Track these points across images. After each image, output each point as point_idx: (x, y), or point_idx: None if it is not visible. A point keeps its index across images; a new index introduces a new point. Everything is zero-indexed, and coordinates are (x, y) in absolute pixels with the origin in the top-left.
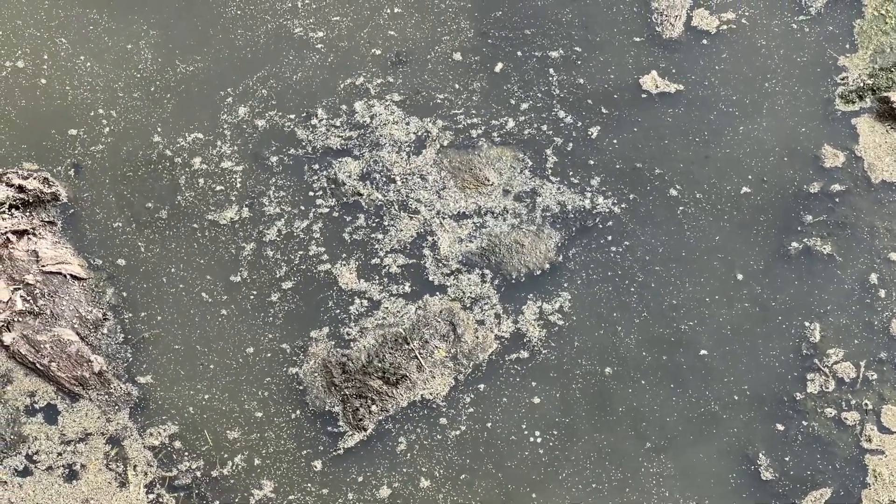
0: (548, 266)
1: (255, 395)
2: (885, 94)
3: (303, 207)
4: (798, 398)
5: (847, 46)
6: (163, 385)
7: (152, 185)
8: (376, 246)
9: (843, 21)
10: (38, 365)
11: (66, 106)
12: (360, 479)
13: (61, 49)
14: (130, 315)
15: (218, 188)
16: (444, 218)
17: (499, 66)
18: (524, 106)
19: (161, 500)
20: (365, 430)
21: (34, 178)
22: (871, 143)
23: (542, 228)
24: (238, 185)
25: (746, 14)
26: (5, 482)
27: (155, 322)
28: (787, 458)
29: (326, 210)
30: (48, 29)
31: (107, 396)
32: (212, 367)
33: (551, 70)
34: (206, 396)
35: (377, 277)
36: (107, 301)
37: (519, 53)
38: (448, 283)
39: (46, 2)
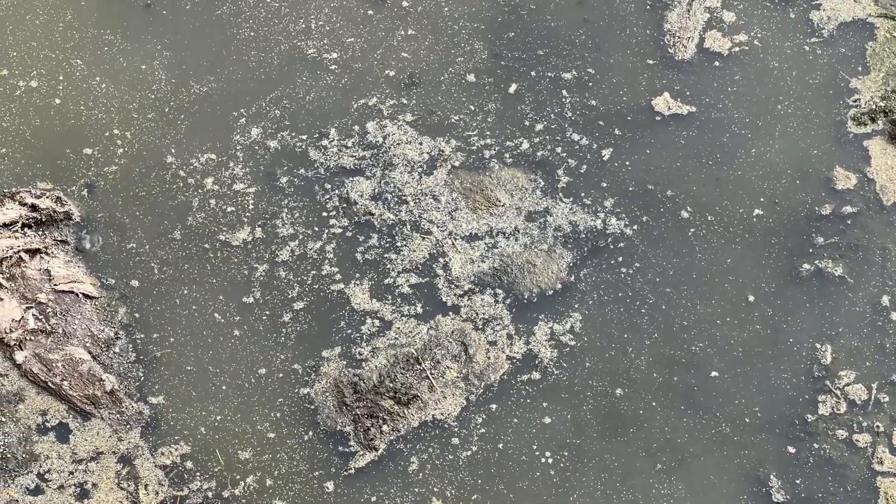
0: (560, 286)
1: (267, 416)
2: None
3: (316, 228)
4: (809, 420)
5: (859, 69)
6: (175, 406)
7: (165, 206)
8: (389, 266)
9: (856, 43)
10: (49, 384)
11: (81, 126)
12: (373, 499)
13: (76, 70)
14: (143, 336)
15: (230, 209)
16: (456, 239)
17: (513, 87)
18: (539, 127)
19: None
20: (376, 450)
21: (47, 197)
22: (883, 166)
23: (554, 248)
24: (250, 207)
25: (759, 36)
26: (17, 501)
27: (168, 343)
28: (798, 481)
29: (339, 230)
30: (63, 50)
31: (118, 415)
32: (224, 387)
33: (564, 91)
34: (219, 417)
35: (390, 297)
36: (119, 320)
37: (533, 73)
38: (460, 304)
39: (61, 24)
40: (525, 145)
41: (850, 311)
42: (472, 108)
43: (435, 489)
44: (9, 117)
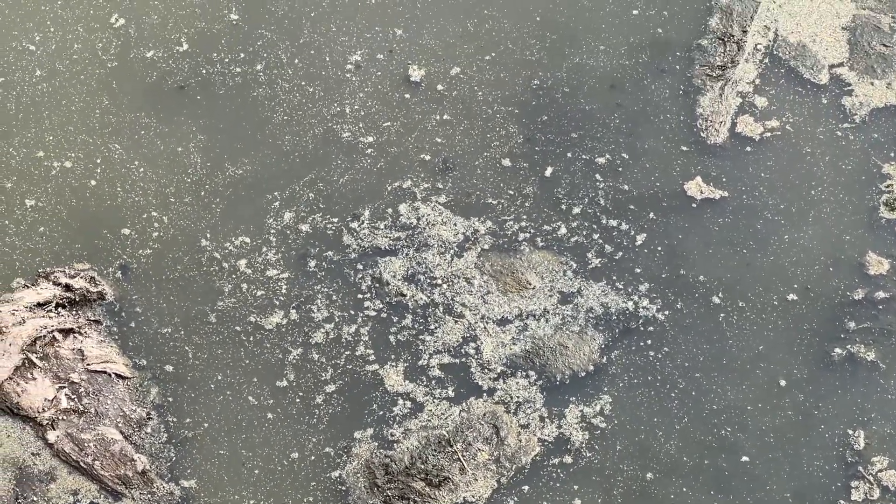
0: (592, 368)
1: (299, 501)
2: None
3: (351, 311)
4: None
5: (892, 154)
6: (206, 490)
7: (200, 289)
8: (421, 348)
9: (888, 129)
10: (81, 463)
11: (117, 207)
12: None
13: (114, 154)
14: (175, 419)
15: (265, 294)
16: (487, 322)
17: (549, 171)
18: (575, 210)
19: None
20: None
21: (81, 277)
22: None
23: (586, 330)
24: (283, 290)
25: (791, 121)
26: None
27: (202, 428)
28: None
29: (374, 313)
30: (101, 135)
31: (149, 496)
32: (256, 471)
33: (598, 175)
34: (251, 502)
35: (423, 379)
36: (151, 400)
37: (569, 154)
38: (492, 387)
39: (98, 110)
40: (563, 230)
41: (883, 397)
42: (511, 192)
43: None
44: (45, 197)
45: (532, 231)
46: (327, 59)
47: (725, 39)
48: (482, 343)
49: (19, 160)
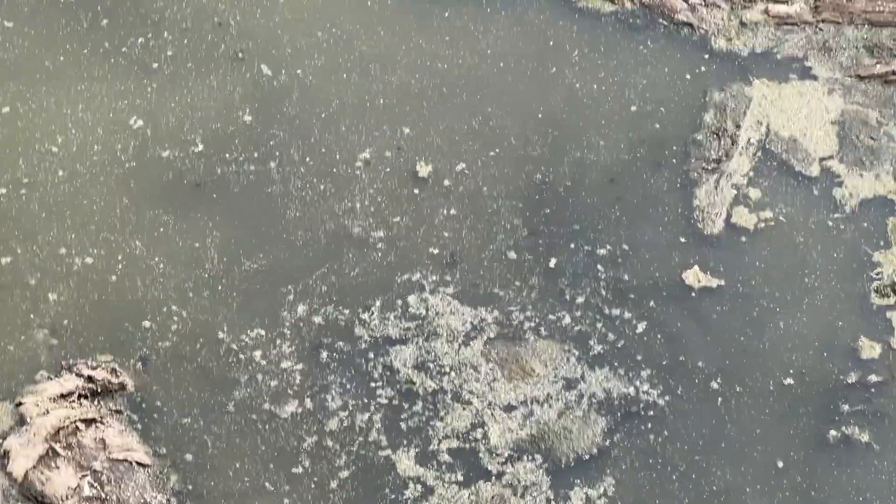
0: (595, 451)
1: None
2: None
3: (364, 399)
4: None
5: (881, 243)
6: None
7: (217, 380)
8: (432, 433)
9: (877, 219)
10: None
11: (137, 301)
12: None
13: (136, 251)
14: None
15: (281, 384)
16: (494, 409)
17: (553, 262)
18: (579, 300)
19: None
20: None
21: (102, 369)
22: None
23: (589, 415)
24: (298, 380)
25: (784, 212)
26: None
27: None
28: None
29: (386, 400)
30: (122, 233)
31: None
32: None
33: (599, 266)
34: None
35: (433, 463)
36: (171, 487)
37: (572, 246)
38: (500, 470)
39: (118, 208)
40: (567, 319)
41: (878, 478)
42: (518, 283)
43: None
44: (68, 292)
45: (537, 320)
46: (338, 157)
47: (720, 134)
48: (490, 428)
49: (42, 258)
